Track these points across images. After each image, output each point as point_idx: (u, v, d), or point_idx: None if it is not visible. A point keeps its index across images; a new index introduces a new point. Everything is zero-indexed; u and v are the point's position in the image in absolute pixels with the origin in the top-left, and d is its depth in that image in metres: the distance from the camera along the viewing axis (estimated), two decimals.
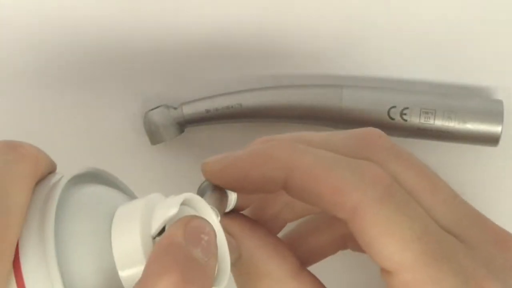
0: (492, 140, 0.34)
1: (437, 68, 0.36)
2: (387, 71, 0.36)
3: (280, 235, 0.30)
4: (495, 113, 0.34)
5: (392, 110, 0.34)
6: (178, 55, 0.36)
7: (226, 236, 0.26)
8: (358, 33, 0.36)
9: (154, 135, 0.35)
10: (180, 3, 0.36)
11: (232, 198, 0.27)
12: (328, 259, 0.30)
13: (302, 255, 0.29)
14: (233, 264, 0.27)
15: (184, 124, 0.36)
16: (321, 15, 0.36)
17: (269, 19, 0.36)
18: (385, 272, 0.24)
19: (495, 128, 0.34)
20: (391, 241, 0.23)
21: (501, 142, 0.34)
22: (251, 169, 0.26)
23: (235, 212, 0.28)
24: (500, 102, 0.34)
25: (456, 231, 0.25)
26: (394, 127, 0.34)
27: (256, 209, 0.30)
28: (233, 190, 0.27)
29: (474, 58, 0.35)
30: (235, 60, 0.36)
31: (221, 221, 0.25)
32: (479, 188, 0.36)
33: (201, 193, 0.27)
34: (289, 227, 0.31)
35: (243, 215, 0.28)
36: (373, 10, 0.36)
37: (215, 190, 0.27)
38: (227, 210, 0.27)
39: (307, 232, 0.30)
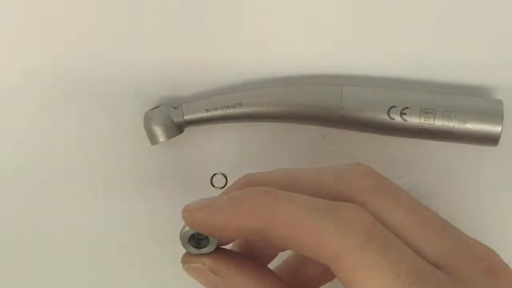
0: (492, 140, 0.34)
1: (437, 68, 0.36)
2: (387, 71, 0.36)
3: (274, 265, 0.30)
4: (495, 113, 0.34)
5: (392, 110, 0.34)
6: (178, 55, 0.36)
7: (210, 275, 0.27)
8: (358, 33, 0.36)
9: (154, 135, 0.35)
10: (182, 3, 0.36)
11: (215, 240, 0.27)
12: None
13: (297, 284, 0.29)
14: None
15: (184, 124, 0.36)
16: (321, 15, 0.36)
17: (269, 19, 0.36)
18: None
19: (495, 128, 0.34)
20: (374, 287, 0.23)
21: (501, 142, 0.34)
22: (231, 220, 0.26)
23: (220, 249, 0.28)
24: (500, 102, 0.34)
25: (444, 263, 0.25)
26: (394, 127, 0.34)
27: (245, 242, 0.30)
28: (215, 237, 0.27)
29: (474, 58, 0.35)
30: (235, 60, 0.36)
31: (203, 262, 0.27)
32: (479, 188, 0.36)
33: (183, 237, 0.27)
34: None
35: (228, 251, 0.28)
36: (373, 10, 0.35)
37: (197, 234, 0.27)
38: (210, 251, 0.27)
39: (301, 261, 0.30)
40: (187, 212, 0.26)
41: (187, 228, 0.27)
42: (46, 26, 0.36)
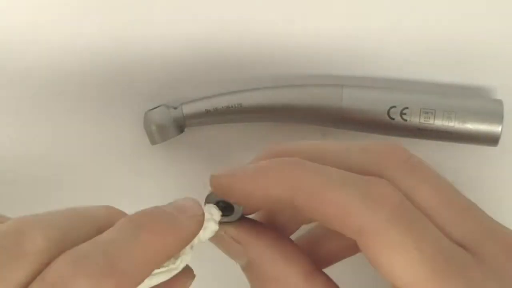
0: (492, 140, 0.34)
1: (437, 68, 0.36)
2: (387, 71, 0.36)
3: (296, 236, 0.30)
4: (495, 113, 0.34)
5: (392, 110, 0.34)
6: (178, 55, 0.36)
7: (232, 243, 0.26)
8: (358, 33, 0.36)
9: (154, 135, 0.35)
10: (181, 4, 0.36)
11: (239, 209, 0.27)
12: (347, 260, 0.30)
13: (319, 256, 0.29)
14: (244, 269, 0.27)
15: (184, 124, 0.36)
16: (321, 15, 0.36)
17: (269, 19, 0.36)
18: None
19: (495, 128, 0.34)
20: (399, 263, 0.23)
21: (501, 142, 0.34)
22: (257, 188, 0.26)
23: (243, 218, 0.28)
24: (500, 102, 0.34)
25: (469, 244, 0.25)
26: (394, 127, 0.34)
27: (268, 212, 0.30)
28: (240, 205, 0.27)
29: (474, 58, 0.35)
30: (235, 60, 0.36)
31: (225, 230, 0.26)
32: (479, 188, 0.36)
33: (208, 203, 0.27)
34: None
35: (250, 220, 0.28)
36: (373, 10, 0.36)
37: (221, 202, 0.27)
38: (234, 219, 0.27)
39: (324, 234, 0.30)
40: (215, 178, 0.27)
41: (213, 195, 0.27)
42: (46, 26, 0.36)
